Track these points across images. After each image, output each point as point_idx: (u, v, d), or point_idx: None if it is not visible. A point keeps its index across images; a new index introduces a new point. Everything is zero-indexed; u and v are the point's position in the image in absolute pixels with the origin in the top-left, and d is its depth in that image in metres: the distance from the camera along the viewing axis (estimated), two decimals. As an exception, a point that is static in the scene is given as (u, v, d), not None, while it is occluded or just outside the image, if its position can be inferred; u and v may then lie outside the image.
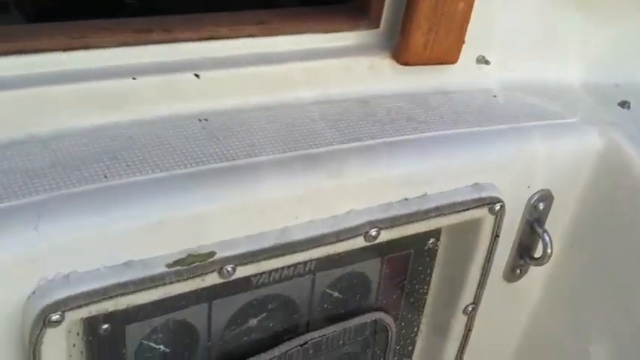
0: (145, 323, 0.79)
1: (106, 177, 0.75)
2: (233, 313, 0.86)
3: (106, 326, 0.76)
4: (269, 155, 0.83)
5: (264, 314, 0.88)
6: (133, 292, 0.72)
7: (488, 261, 0.95)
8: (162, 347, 0.83)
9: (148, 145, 0.80)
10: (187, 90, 0.87)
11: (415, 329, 1.03)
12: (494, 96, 1.03)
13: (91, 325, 0.75)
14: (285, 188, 0.81)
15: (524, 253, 1.02)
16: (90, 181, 0.74)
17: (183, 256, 0.75)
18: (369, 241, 0.84)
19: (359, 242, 0.84)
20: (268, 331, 0.89)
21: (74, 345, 0.76)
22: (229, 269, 0.76)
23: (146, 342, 0.81)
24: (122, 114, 0.84)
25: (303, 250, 0.81)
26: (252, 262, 0.78)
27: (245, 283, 0.84)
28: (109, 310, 0.72)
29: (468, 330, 1.01)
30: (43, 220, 0.69)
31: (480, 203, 0.90)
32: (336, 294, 0.92)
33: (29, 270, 0.69)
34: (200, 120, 0.85)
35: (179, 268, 0.74)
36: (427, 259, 0.96)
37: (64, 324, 0.69)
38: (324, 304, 0.92)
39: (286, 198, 0.81)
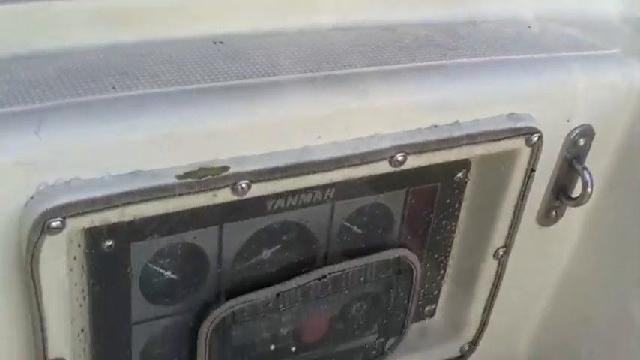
0: (151, 242, 0.77)
1: (114, 88, 0.73)
2: (246, 239, 0.83)
3: (109, 243, 0.74)
4: (289, 75, 0.81)
5: (279, 245, 0.86)
6: (139, 202, 0.70)
7: (522, 198, 0.92)
8: (168, 273, 0.81)
9: (159, 62, 0.78)
10: (200, 11, 0.85)
11: (442, 272, 1.00)
12: (529, 27, 1.00)
13: (94, 237, 0.73)
14: (306, 107, 0.78)
15: (561, 194, 0.98)
16: (97, 92, 0.72)
17: (195, 169, 0.73)
18: (395, 167, 0.81)
19: (384, 167, 0.81)
20: (283, 263, 0.87)
21: (75, 257, 0.73)
22: (243, 186, 0.74)
23: (152, 265, 0.79)
24: (132, 34, 0.81)
25: (323, 171, 0.78)
26: (268, 179, 0.75)
27: (259, 206, 0.81)
28: (114, 221, 0.70)
29: (498, 277, 0.98)
30: (45, 125, 0.68)
31: (515, 133, 0.87)
32: (355, 228, 0.90)
33: (28, 174, 0.67)
34: (215, 43, 0.84)
35: (190, 180, 0.72)
36: (456, 191, 0.93)
37: (64, 232, 0.67)
38: (344, 236, 0.89)
39: (307, 117, 0.78)
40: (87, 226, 0.70)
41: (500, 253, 0.96)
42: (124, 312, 0.79)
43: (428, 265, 0.98)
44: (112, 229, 0.73)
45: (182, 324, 0.84)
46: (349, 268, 0.88)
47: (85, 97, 0.72)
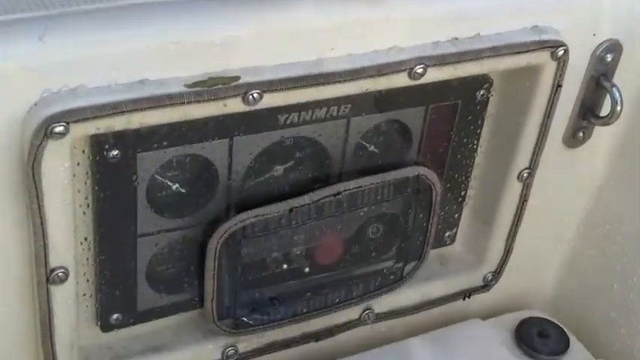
0: (159, 153, 0.78)
1: None
2: (257, 153, 0.83)
3: (115, 152, 0.75)
4: None
5: (292, 162, 0.86)
6: (146, 109, 0.70)
7: (548, 116, 0.91)
8: (177, 186, 0.81)
9: None
10: None
11: (462, 193, 1.00)
12: None
13: (99, 145, 0.74)
14: (319, 16, 0.78)
15: (588, 113, 0.98)
16: (105, 0, 0.73)
17: (205, 78, 0.73)
18: (415, 79, 0.81)
19: (402, 79, 0.81)
20: (296, 180, 0.87)
21: (79, 164, 0.74)
22: (255, 95, 0.74)
23: (159, 177, 0.80)
24: None
25: (338, 82, 0.78)
26: (280, 89, 0.75)
27: (271, 120, 0.81)
28: (119, 129, 0.71)
29: (522, 200, 0.98)
30: (50, 31, 0.68)
31: (540, 46, 0.86)
32: (372, 147, 0.90)
33: (31, 80, 0.68)
34: None
35: (199, 88, 0.72)
36: (478, 108, 0.93)
37: (68, 137, 0.68)
38: (360, 153, 0.89)
39: (321, 27, 0.78)
40: (91, 132, 0.70)
41: (525, 175, 0.96)
42: (129, 222, 0.80)
43: (448, 185, 0.97)
44: (118, 137, 0.74)
45: (191, 238, 0.85)
46: (365, 186, 0.88)
47: (92, 5, 0.72)
